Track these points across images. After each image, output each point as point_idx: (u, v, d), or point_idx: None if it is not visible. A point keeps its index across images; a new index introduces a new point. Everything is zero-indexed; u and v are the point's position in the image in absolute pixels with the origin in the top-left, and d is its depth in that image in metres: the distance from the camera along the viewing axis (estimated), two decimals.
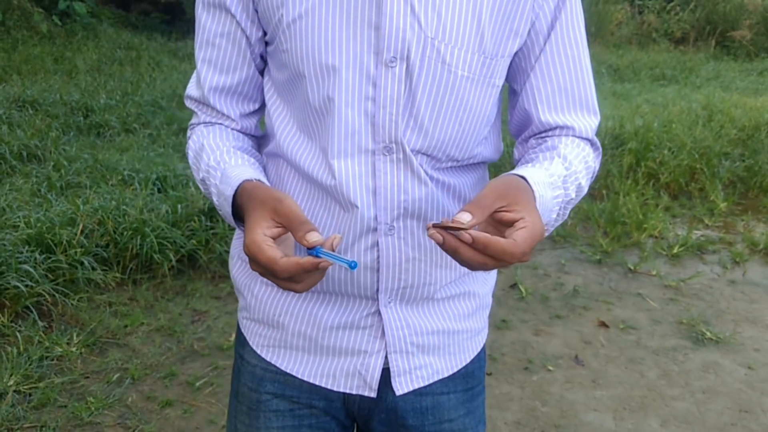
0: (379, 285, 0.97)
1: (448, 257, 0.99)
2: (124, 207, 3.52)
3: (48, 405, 2.45)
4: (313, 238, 0.79)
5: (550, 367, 2.84)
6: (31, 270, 2.96)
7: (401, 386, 1.03)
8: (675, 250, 3.99)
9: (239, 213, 0.91)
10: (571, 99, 0.99)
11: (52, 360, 2.70)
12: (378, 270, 0.96)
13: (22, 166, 4.41)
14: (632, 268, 3.79)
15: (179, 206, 3.64)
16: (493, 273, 1.14)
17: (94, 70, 7.39)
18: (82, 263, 3.18)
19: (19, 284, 2.88)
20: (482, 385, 1.14)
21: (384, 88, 0.90)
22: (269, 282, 1.01)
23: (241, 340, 1.11)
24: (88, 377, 2.64)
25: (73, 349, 2.76)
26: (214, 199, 0.97)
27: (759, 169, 5.13)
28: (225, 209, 0.93)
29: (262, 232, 0.82)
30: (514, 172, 0.89)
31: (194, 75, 1.04)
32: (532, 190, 0.85)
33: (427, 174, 0.95)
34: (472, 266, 0.80)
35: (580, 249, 4.02)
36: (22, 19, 8.24)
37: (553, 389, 2.69)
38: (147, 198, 3.73)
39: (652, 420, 2.52)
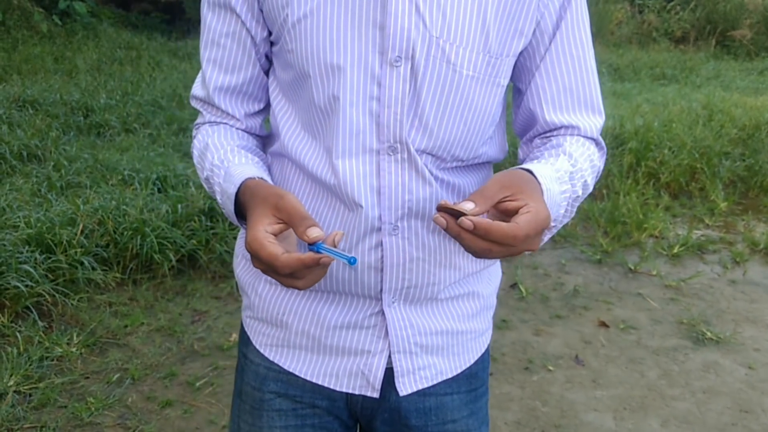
0: (383, 285, 0.97)
1: (453, 257, 0.99)
2: (124, 207, 3.52)
3: (48, 405, 2.45)
4: (314, 233, 0.79)
5: (551, 367, 2.84)
6: (31, 270, 2.96)
7: (405, 387, 1.03)
8: (675, 250, 3.99)
9: (242, 211, 0.91)
10: (576, 99, 0.99)
11: (52, 360, 2.70)
12: (382, 270, 0.96)
13: (22, 166, 4.40)
14: (632, 267, 3.79)
15: (179, 206, 3.63)
16: (498, 273, 1.14)
17: (94, 69, 7.39)
18: (82, 263, 3.17)
19: (19, 284, 2.87)
20: (486, 386, 1.14)
21: (389, 87, 0.89)
22: (273, 281, 1.01)
23: (244, 339, 1.11)
24: (88, 377, 2.63)
25: (73, 350, 2.75)
26: (218, 197, 0.97)
27: (759, 168, 5.13)
28: (228, 207, 0.93)
29: (264, 229, 0.82)
30: (519, 166, 0.89)
31: (199, 75, 1.05)
32: (539, 183, 0.85)
33: (431, 174, 0.95)
34: (477, 253, 0.80)
35: (581, 249, 4.02)
36: (22, 19, 8.24)
37: (553, 389, 2.69)
38: (147, 198, 3.73)
39: (652, 420, 2.52)
